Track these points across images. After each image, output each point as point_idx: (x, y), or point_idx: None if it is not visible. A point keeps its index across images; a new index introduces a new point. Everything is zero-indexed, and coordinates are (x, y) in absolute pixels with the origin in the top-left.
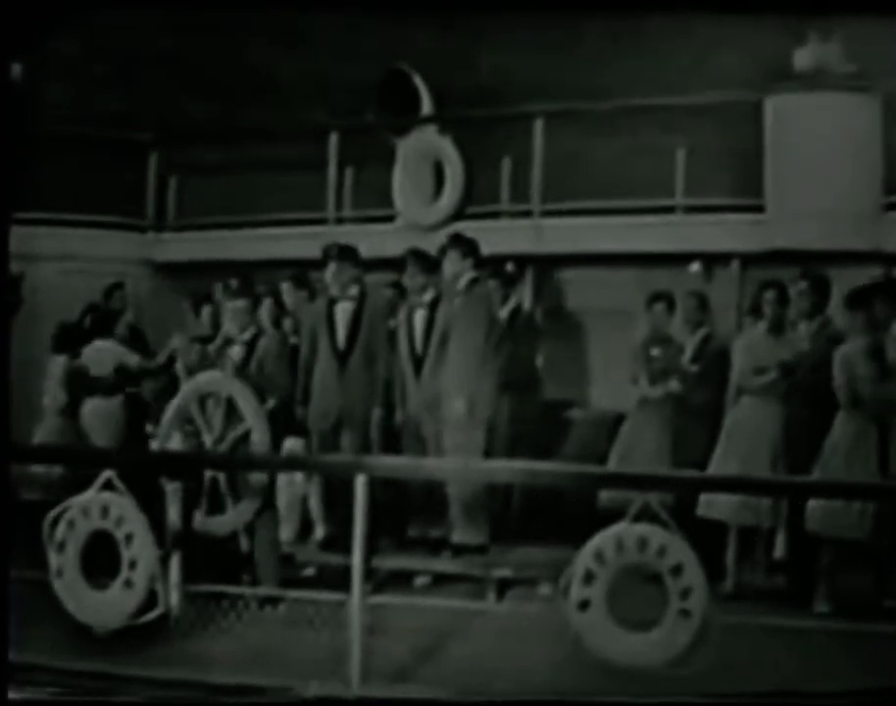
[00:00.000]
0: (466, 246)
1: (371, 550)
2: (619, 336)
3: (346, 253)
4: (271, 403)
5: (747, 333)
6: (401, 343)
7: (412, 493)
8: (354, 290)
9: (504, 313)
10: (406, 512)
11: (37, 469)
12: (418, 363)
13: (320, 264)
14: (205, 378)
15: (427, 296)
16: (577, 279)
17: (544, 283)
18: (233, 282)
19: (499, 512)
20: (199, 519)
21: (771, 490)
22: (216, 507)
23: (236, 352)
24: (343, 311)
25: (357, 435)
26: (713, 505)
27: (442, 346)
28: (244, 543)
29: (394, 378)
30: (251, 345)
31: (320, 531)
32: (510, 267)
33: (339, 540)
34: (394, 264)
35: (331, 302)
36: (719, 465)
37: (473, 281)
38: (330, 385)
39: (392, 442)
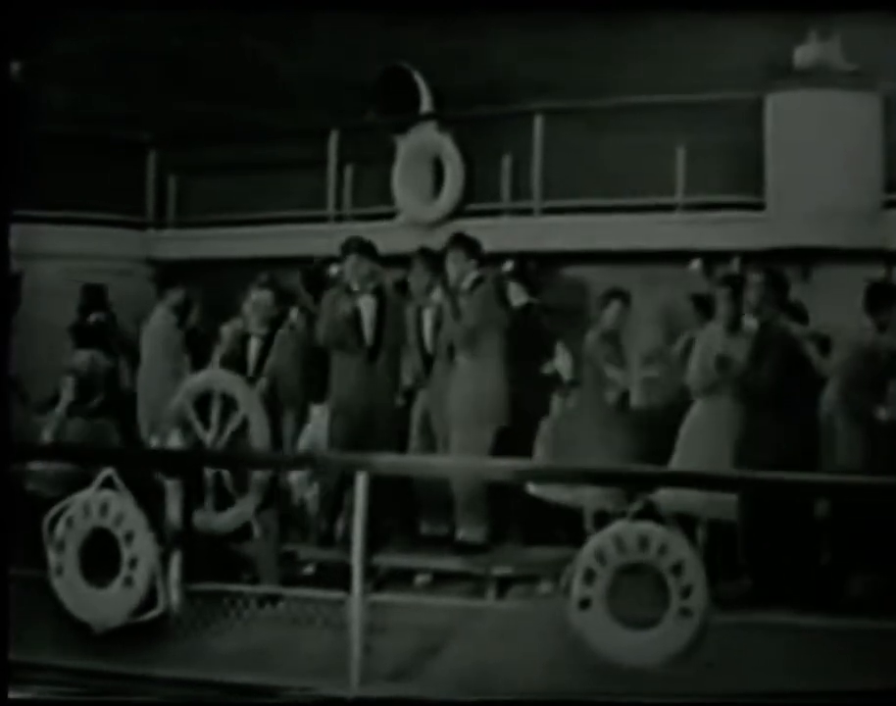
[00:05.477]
0: (469, 246)
1: (371, 548)
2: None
3: (366, 247)
4: (263, 382)
5: (704, 333)
6: (411, 341)
7: (420, 490)
8: (372, 285)
9: (516, 309)
10: (417, 509)
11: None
12: (427, 362)
13: (334, 259)
14: (205, 376)
15: (435, 296)
16: (578, 277)
17: (544, 281)
18: (262, 276)
19: (500, 510)
20: (199, 517)
21: (771, 489)
22: (216, 504)
23: (254, 346)
24: (367, 306)
25: (385, 428)
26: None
27: (450, 345)
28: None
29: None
30: (268, 340)
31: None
32: (532, 265)
33: (335, 538)
34: (395, 261)
35: (353, 297)
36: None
37: (478, 281)
38: (358, 380)
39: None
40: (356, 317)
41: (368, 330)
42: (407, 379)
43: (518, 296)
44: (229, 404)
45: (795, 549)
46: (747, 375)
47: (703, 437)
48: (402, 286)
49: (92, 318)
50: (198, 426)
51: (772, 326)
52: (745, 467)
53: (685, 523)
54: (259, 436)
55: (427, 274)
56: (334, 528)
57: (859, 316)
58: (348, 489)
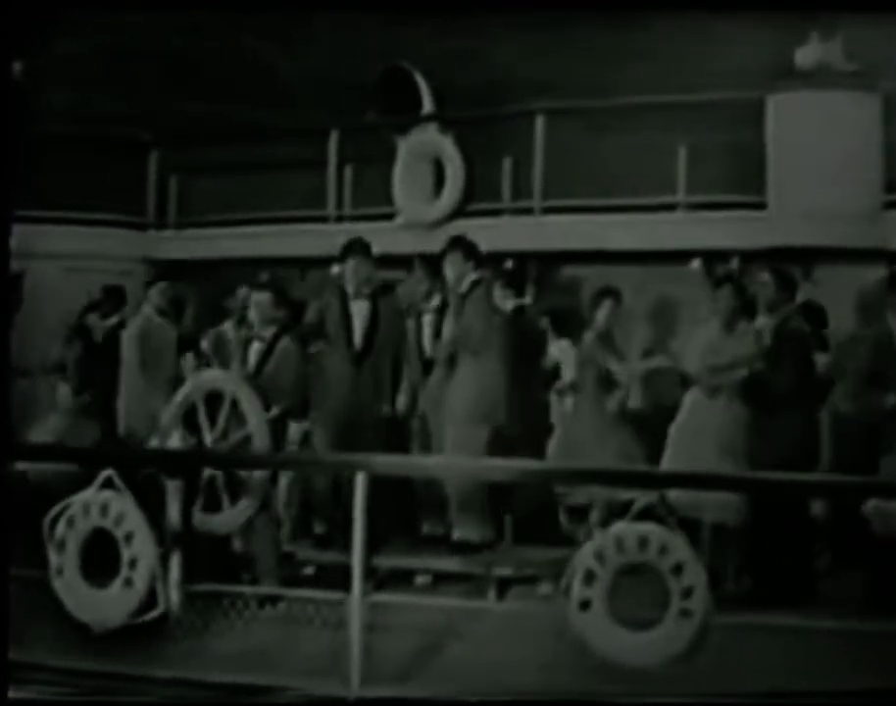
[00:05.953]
0: (467, 249)
1: (371, 548)
2: (619, 333)
3: (368, 250)
4: (275, 411)
5: (701, 331)
6: (410, 347)
7: (421, 491)
8: (368, 289)
9: (507, 311)
10: (418, 509)
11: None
12: (427, 366)
13: (334, 259)
14: (209, 376)
15: (434, 301)
16: (578, 277)
17: (545, 281)
18: (261, 276)
19: (499, 511)
20: (199, 517)
21: (772, 489)
22: (216, 505)
23: (255, 350)
24: (360, 309)
25: (371, 433)
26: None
27: (450, 350)
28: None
29: (406, 378)
30: (271, 345)
31: (318, 529)
32: (510, 264)
33: (334, 538)
34: (395, 262)
35: (345, 299)
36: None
37: (476, 283)
38: (345, 384)
39: (402, 439)
40: (346, 321)
41: (358, 335)
42: (404, 393)
43: (504, 301)
44: (232, 406)
45: (796, 550)
46: (764, 375)
47: (694, 436)
48: (389, 287)
49: (94, 324)
50: (187, 435)
51: (789, 326)
52: (757, 467)
53: (689, 524)
54: (259, 436)
55: (427, 280)
56: (332, 529)
57: (880, 303)
58: (344, 491)
